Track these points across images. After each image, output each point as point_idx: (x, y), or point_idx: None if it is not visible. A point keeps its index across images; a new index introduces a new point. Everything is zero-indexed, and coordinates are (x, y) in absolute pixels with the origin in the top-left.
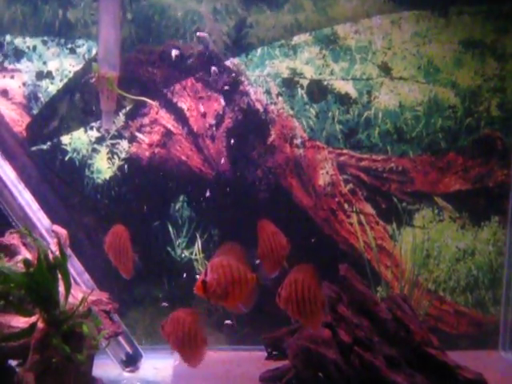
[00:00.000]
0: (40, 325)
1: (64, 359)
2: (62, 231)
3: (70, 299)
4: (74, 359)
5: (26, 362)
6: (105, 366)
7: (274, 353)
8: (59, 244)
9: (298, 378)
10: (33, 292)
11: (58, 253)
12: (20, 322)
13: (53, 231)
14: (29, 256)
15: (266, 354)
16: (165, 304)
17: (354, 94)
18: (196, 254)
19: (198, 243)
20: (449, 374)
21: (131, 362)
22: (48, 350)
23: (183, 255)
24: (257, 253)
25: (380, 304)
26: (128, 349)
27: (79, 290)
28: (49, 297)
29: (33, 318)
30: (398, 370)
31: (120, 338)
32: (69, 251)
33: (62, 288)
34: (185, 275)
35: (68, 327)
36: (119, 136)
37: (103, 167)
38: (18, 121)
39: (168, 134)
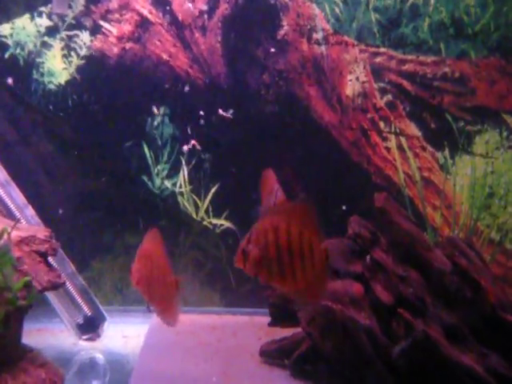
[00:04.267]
0: None
1: None
2: None
3: None
4: None
5: None
6: (56, 333)
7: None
8: None
9: (313, 353)
10: None
11: None
12: None
13: None
14: None
15: (269, 319)
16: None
17: None
18: (181, 186)
19: (184, 171)
20: None
21: (90, 327)
22: None
23: (164, 187)
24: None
25: (434, 249)
26: (86, 310)
27: (6, 224)
28: None
29: None
30: (462, 346)
31: (75, 295)
32: (6, 177)
33: None
34: (166, 214)
35: None
36: (78, 26)
37: (57, 68)
38: None
39: (144, 23)
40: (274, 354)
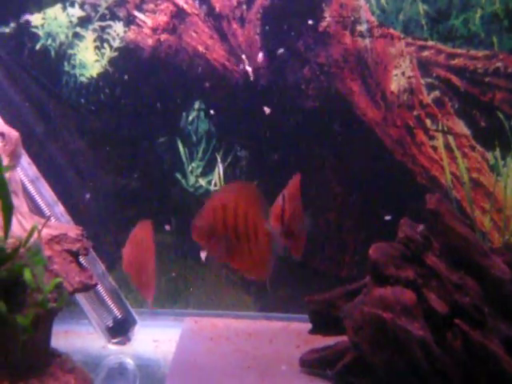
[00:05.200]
0: None
1: None
2: (11, 132)
3: (19, 233)
4: (11, 322)
5: None
6: (84, 335)
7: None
8: None
9: (359, 364)
10: None
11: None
12: None
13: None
14: None
15: (310, 326)
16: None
17: None
18: (216, 184)
19: (219, 169)
20: None
21: (120, 330)
22: None
23: (198, 185)
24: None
25: (492, 255)
26: (117, 312)
27: (36, 221)
28: None
29: None
30: None
31: (105, 297)
32: (36, 173)
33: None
34: None
35: (7, 273)
36: (111, 16)
37: (89, 60)
38: None
39: (179, 14)
40: (315, 364)
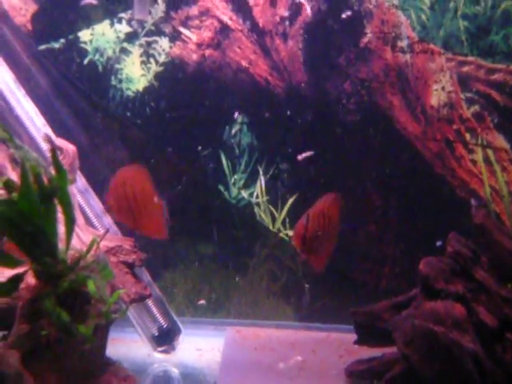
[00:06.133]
0: (30, 280)
1: (60, 332)
2: (69, 146)
3: (77, 244)
4: (75, 332)
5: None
6: (130, 343)
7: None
8: (53, 155)
9: (408, 376)
10: (16, 229)
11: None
12: (4, 275)
13: (57, 147)
14: (15, 177)
15: (350, 337)
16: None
17: None
18: (258, 197)
19: (261, 181)
20: None
21: (166, 339)
22: (43, 318)
23: (240, 197)
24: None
25: None
26: (162, 321)
27: (92, 233)
28: (40, 237)
29: (19, 270)
30: None
31: (151, 306)
32: (85, 185)
33: (63, 227)
34: (242, 224)
35: (69, 284)
36: (157, 32)
37: (135, 74)
38: (21, 9)
39: (224, 29)
40: (362, 375)
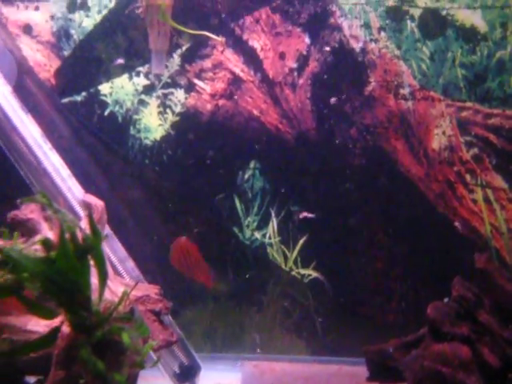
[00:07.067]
0: (65, 330)
1: (96, 379)
2: (98, 202)
3: (107, 295)
4: (110, 380)
5: (46, 380)
6: (151, 380)
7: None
8: (90, 217)
9: None
10: (54, 285)
11: (89, 231)
12: (40, 324)
13: (84, 202)
14: (52, 236)
15: (361, 369)
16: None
17: (482, 27)
18: (270, 237)
19: (273, 223)
20: None
21: (187, 376)
22: (76, 366)
23: (253, 238)
24: None
25: None
26: (183, 359)
27: (120, 282)
28: (76, 292)
29: (56, 321)
30: None
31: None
32: (108, 230)
33: (95, 279)
34: (255, 264)
35: (102, 334)
36: (173, 84)
37: (153, 124)
38: (45, 65)
39: (236, 81)
40: None
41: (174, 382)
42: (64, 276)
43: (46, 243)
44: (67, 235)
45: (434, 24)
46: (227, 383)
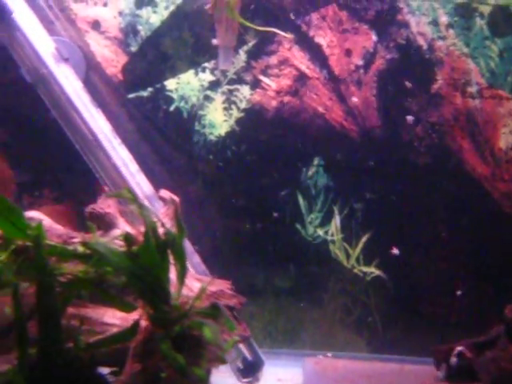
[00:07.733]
0: (143, 323)
1: (176, 374)
2: (175, 198)
3: (184, 290)
4: (190, 375)
5: (121, 372)
6: (216, 374)
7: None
8: (176, 214)
9: None
10: (136, 279)
11: (170, 226)
12: (116, 317)
13: (161, 198)
14: (129, 230)
15: (424, 368)
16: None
17: None
18: (333, 234)
19: (336, 220)
20: None
21: (250, 371)
22: (152, 359)
23: (316, 235)
24: None
25: None
26: (247, 354)
27: (194, 277)
28: (157, 286)
29: (133, 315)
30: None
31: None
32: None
33: (172, 275)
34: (317, 261)
35: (181, 329)
36: (239, 80)
37: (218, 120)
38: (113, 60)
39: (301, 78)
40: None
41: (237, 377)
42: (147, 271)
43: (127, 238)
44: (150, 231)
45: (504, 22)
46: (287, 378)
